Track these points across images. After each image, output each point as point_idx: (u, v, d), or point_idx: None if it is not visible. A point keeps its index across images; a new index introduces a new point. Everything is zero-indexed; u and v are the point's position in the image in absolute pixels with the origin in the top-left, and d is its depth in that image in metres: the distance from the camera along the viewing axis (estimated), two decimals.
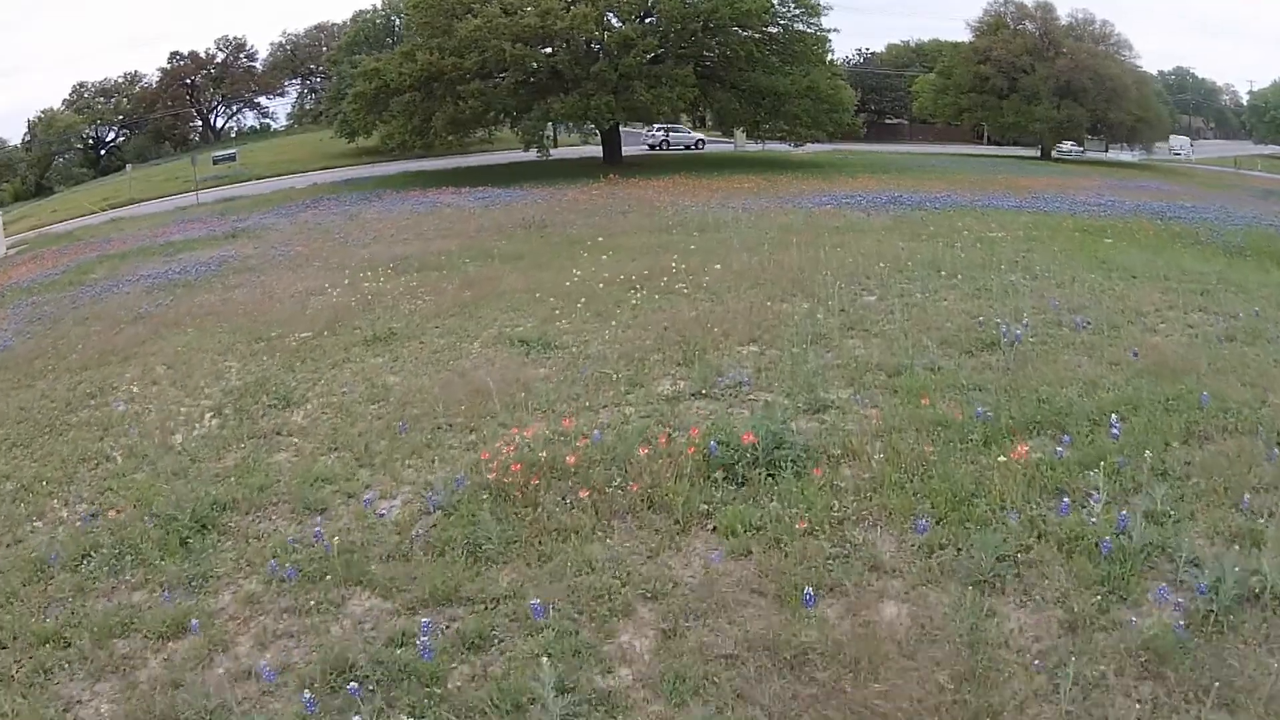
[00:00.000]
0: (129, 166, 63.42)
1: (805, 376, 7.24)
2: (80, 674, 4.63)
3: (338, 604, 4.74)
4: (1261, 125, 72.48)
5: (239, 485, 6.46)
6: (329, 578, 4.90)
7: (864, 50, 75.75)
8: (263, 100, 79.34)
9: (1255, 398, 6.37)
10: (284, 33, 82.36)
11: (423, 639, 4.16)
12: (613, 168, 33.28)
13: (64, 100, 70.98)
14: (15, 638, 4.90)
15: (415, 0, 34.58)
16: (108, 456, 7.93)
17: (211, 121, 78.74)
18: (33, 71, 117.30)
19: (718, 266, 12.18)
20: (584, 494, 5.32)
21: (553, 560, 4.83)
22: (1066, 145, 53.98)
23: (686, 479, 5.41)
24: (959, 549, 4.62)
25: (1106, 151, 54.86)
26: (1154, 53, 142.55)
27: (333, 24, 73.39)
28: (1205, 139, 77.50)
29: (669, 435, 6.08)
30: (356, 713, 3.84)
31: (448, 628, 4.42)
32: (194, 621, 4.70)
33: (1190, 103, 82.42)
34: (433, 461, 6.34)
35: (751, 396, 7.17)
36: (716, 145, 44.85)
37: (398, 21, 54.32)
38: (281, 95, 78.89)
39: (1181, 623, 3.86)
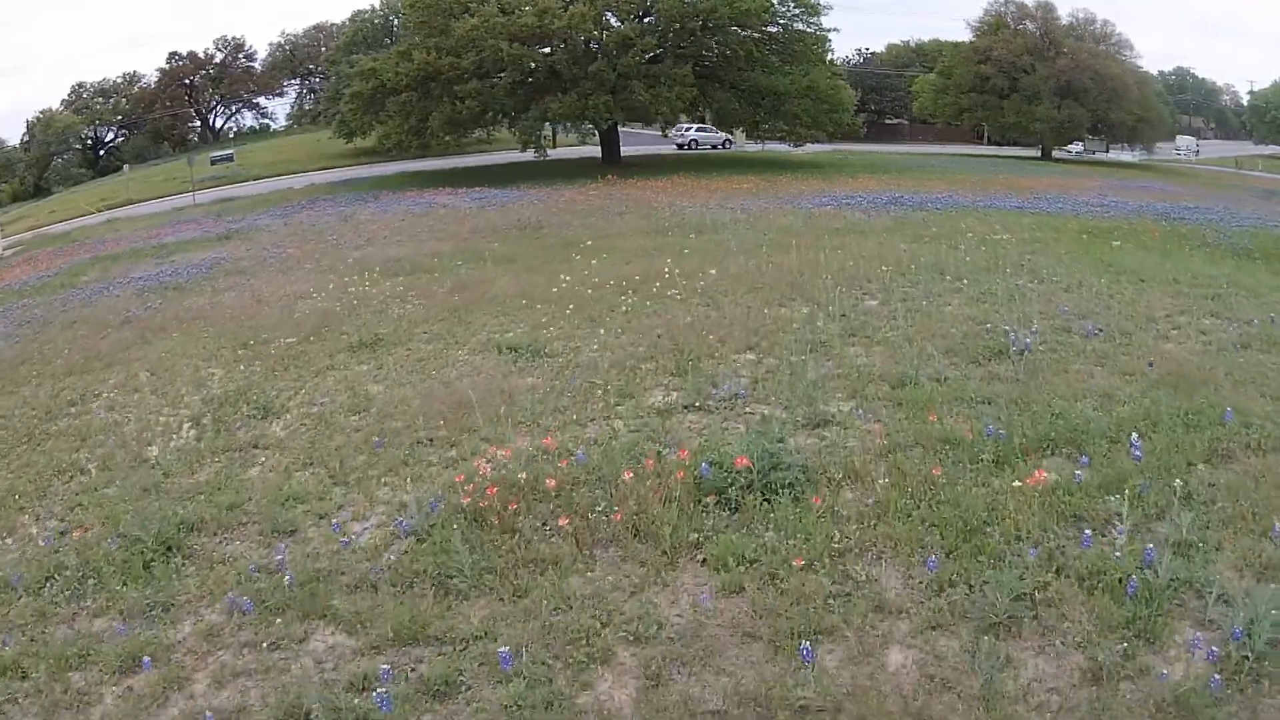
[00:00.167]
0: (126, 167, 63.26)
1: (804, 388, 6.88)
2: (34, 710, 4.35)
3: (299, 640, 4.42)
4: (1262, 125, 72.18)
5: (209, 503, 6.18)
6: (291, 610, 4.58)
7: (864, 50, 75.49)
8: (261, 100, 79.29)
9: (1278, 411, 6.04)
10: (283, 33, 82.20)
11: (381, 689, 3.83)
12: (611, 168, 33.00)
13: (63, 100, 70.93)
14: None
15: None
16: (82, 469, 7.72)
17: (210, 122, 78.57)
18: (32, 71, 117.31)
19: (714, 270, 11.87)
20: (564, 521, 4.96)
21: (529, 595, 4.47)
22: (1077, 147, 53.66)
23: (675, 504, 5.04)
24: (971, 586, 4.24)
25: (1107, 151, 54.54)
26: (1154, 53, 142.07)
27: (331, 24, 73.25)
28: (1206, 139, 77.11)
29: (658, 453, 5.72)
30: None
31: (412, 671, 4.08)
32: (145, 660, 4.39)
33: (1190, 103, 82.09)
34: (409, 480, 6.00)
35: (747, 409, 6.82)
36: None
37: (396, 21, 53.98)
38: (280, 95, 78.82)
39: (1216, 675, 3.51)
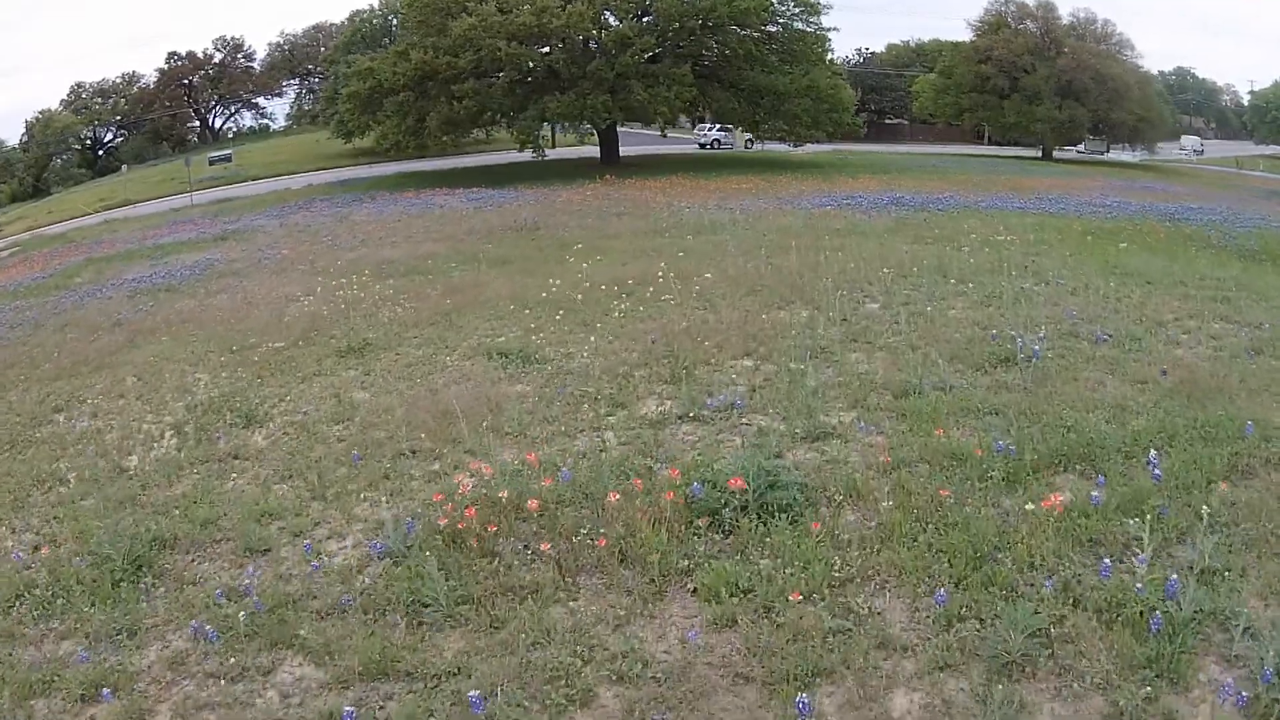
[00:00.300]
0: (125, 167, 63.13)
1: (803, 397, 6.59)
2: None
3: (266, 671, 4.15)
4: (1263, 125, 71.99)
5: (184, 519, 5.94)
6: (260, 637, 4.33)
7: (864, 50, 75.23)
8: (261, 101, 78.97)
9: None
10: (282, 33, 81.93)
11: None
12: (609, 168, 32.78)
13: (62, 101, 70.67)
14: None
15: None
16: (62, 479, 7.52)
17: (209, 122, 78.34)
18: (32, 71, 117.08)
19: (712, 272, 11.60)
20: (546, 546, 4.67)
21: (506, 627, 4.18)
22: (1081, 146, 53.40)
23: (665, 527, 4.73)
24: (982, 620, 3.93)
25: (1108, 151, 54.31)
26: (1155, 52, 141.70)
27: (331, 24, 72.97)
28: (1206, 139, 76.92)
29: (649, 468, 5.43)
30: None
31: (380, 709, 3.82)
32: (105, 691, 4.15)
33: (1191, 103, 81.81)
34: (389, 495, 5.73)
35: (744, 420, 6.54)
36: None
37: (395, 21, 53.77)
38: (279, 96, 78.50)
39: None
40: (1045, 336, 7.82)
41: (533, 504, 4.89)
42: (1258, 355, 7.66)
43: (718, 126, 47.96)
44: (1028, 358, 7.15)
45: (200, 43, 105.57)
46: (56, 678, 4.50)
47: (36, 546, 6.08)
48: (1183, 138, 61.44)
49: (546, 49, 33.66)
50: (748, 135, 45.82)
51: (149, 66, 77.01)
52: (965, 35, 52.59)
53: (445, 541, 4.85)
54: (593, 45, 33.62)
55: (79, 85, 71.39)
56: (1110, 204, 22.74)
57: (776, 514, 4.79)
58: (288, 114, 78.47)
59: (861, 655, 3.84)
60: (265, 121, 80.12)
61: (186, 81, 73.58)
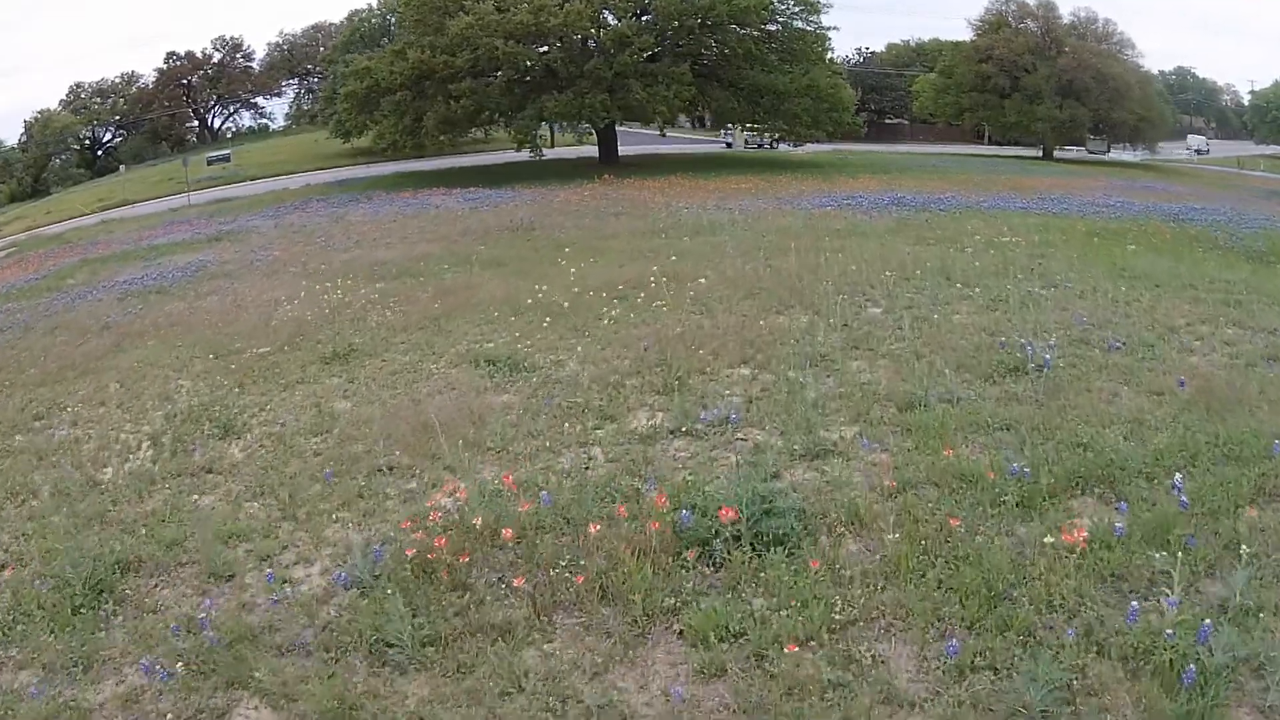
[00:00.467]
0: (123, 167, 62.85)
1: (803, 410, 6.26)
2: None
3: (220, 713, 3.86)
4: (1263, 125, 71.57)
5: (149, 538, 5.66)
6: (217, 675, 4.02)
7: (864, 50, 74.86)
8: (260, 101, 78.66)
9: None
10: (281, 33, 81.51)
11: None
12: (608, 168, 32.51)
13: (61, 101, 70.44)
14: None
15: None
16: (36, 492, 7.27)
17: (209, 122, 78.09)
18: (31, 72, 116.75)
19: (707, 276, 11.29)
20: (519, 582, 4.31)
21: (475, 672, 3.85)
22: (1088, 146, 53.08)
23: (650, 559, 4.35)
24: (997, 671, 3.58)
25: (1109, 151, 54.03)
26: (1155, 52, 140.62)
27: (330, 24, 72.61)
28: (1207, 139, 76.65)
29: (637, 490, 5.08)
30: None
31: None
32: None
33: (1191, 102, 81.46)
34: (362, 515, 5.42)
35: (739, 436, 6.19)
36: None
37: (393, 21, 53.48)
38: (279, 96, 78.20)
39: None
40: (1055, 344, 7.49)
41: (507, 533, 4.53)
42: (1275, 363, 7.40)
43: (744, 128, 48.02)
44: (1038, 367, 6.83)
45: (199, 43, 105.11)
46: (11, 712, 4.25)
47: (3, 565, 5.83)
48: (1189, 137, 61.18)
49: (544, 48, 33.37)
50: (750, 135, 45.90)
51: (148, 66, 76.77)
52: (965, 35, 52.35)
53: (414, 572, 4.52)
54: (591, 44, 33.34)
55: (78, 85, 71.21)
56: (1113, 204, 22.47)
57: (772, 546, 4.41)
58: (287, 114, 78.29)
59: (864, 713, 3.46)
60: (264, 121, 79.92)
61: (185, 81, 73.33)
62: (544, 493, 5.14)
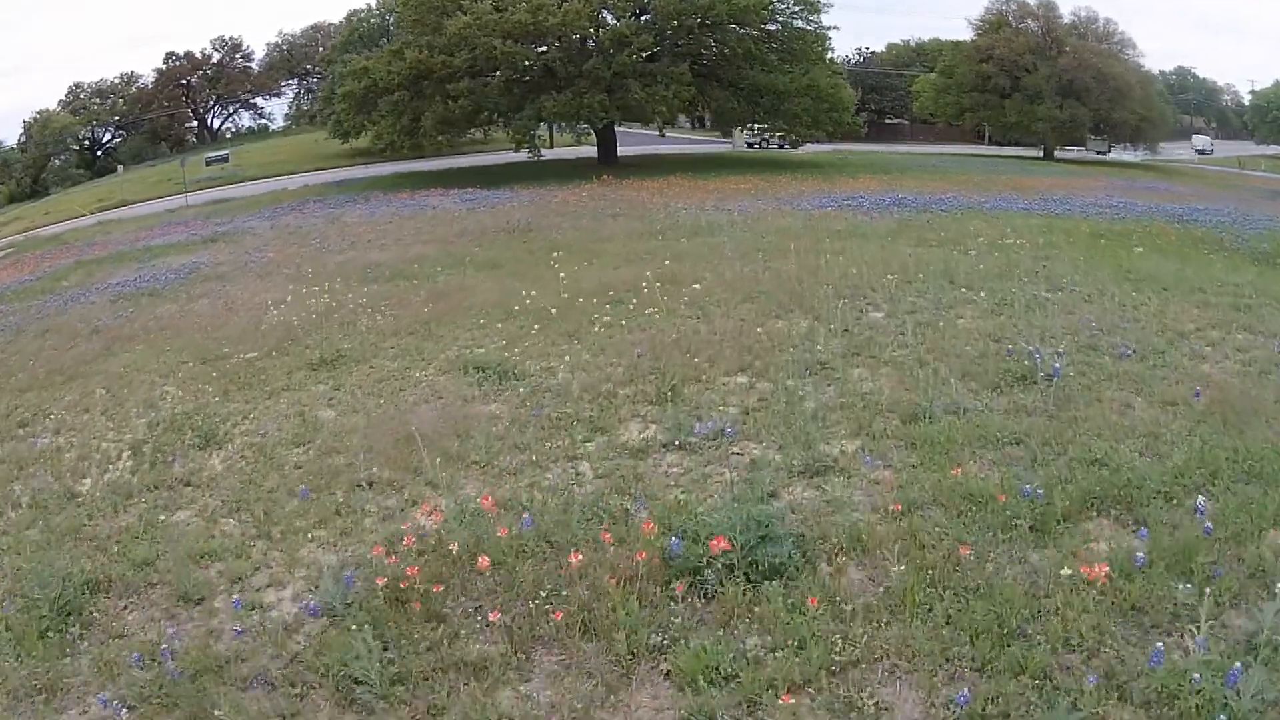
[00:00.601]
0: (121, 168, 62.64)
1: (802, 422, 6.00)
2: None
3: None
4: (1264, 125, 71.28)
5: (121, 557, 5.45)
6: (179, 710, 3.79)
7: (864, 50, 74.53)
8: (259, 101, 78.45)
9: None
10: (280, 33, 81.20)
11: None
12: (607, 168, 32.29)
13: (60, 101, 70.22)
14: None
15: None
16: (15, 503, 7.06)
17: (208, 122, 77.89)
18: (31, 72, 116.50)
19: (703, 279, 11.05)
20: (494, 616, 4.02)
21: (446, 715, 3.59)
22: (1097, 145, 52.86)
23: (636, 591, 4.07)
24: (1009, 719, 3.30)
25: (1109, 151, 53.81)
26: (1155, 52, 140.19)
27: (329, 24, 72.37)
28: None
29: (625, 510, 4.80)
30: None
31: None
32: None
33: (1192, 102, 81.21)
34: (339, 534, 5.18)
35: (735, 450, 5.93)
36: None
37: (392, 21, 53.27)
38: (278, 96, 77.98)
39: None
40: (1064, 351, 7.23)
41: (483, 562, 4.23)
42: None
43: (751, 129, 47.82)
44: (1047, 375, 6.57)
45: (199, 43, 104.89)
46: None
47: None
48: (1194, 136, 61.05)
49: (543, 48, 33.13)
50: (750, 135, 45.67)
51: (147, 67, 76.87)
52: (966, 34, 52.16)
53: (386, 601, 4.26)
54: (590, 44, 33.13)
55: (77, 85, 70.97)
56: (1116, 205, 22.26)
57: (768, 577, 4.12)
58: (286, 114, 78.08)
59: None
60: (263, 122, 79.72)
61: (185, 82, 73.12)
62: (526, 515, 4.84)
